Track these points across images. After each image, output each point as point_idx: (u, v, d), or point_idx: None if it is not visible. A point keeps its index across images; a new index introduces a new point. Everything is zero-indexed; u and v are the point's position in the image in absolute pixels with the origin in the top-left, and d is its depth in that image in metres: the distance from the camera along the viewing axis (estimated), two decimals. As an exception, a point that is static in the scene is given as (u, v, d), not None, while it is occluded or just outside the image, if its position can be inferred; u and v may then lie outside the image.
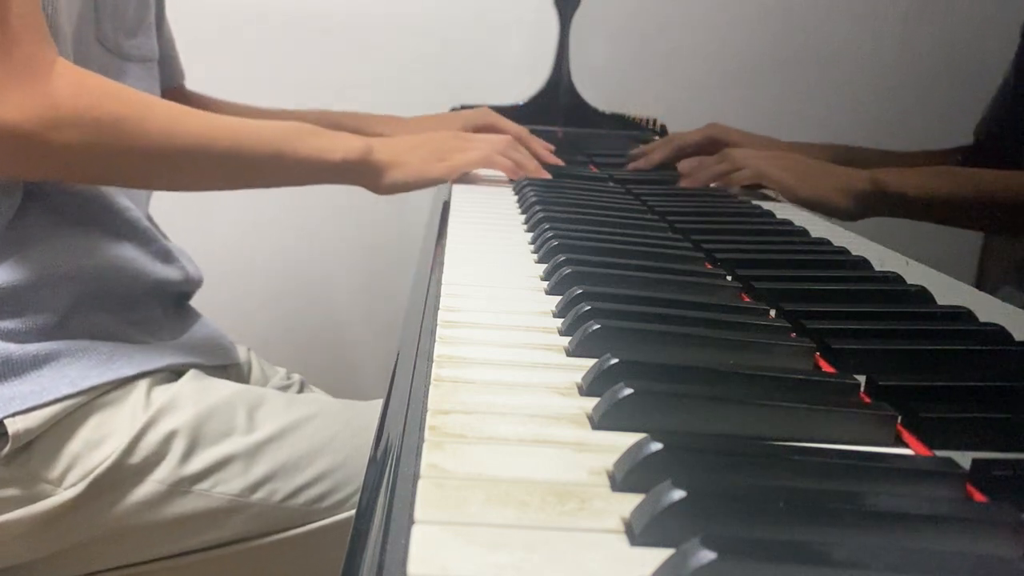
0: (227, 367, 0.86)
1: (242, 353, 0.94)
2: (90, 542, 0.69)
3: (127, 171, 0.68)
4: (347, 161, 0.76)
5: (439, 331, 0.43)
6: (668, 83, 1.61)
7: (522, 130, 1.00)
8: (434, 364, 0.39)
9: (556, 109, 1.42)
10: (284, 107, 1.01)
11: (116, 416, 0.69)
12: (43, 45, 0.61)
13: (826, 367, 0.43)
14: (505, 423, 0.34)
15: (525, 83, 1.43)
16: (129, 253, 0.74)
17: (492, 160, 0.88)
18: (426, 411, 0.34)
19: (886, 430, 0.36)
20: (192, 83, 1.00)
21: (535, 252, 0.62)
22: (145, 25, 0.81)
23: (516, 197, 0.85)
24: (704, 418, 0.34)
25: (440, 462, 0.30)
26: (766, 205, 0.87)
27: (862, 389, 0.39)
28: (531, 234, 0.67)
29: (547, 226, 0.64)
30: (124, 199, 0.74)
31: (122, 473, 0.68)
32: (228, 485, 0.70)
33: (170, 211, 0.90)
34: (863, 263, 0.63)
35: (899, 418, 0.36)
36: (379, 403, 0.77)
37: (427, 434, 0.32)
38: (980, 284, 0.62)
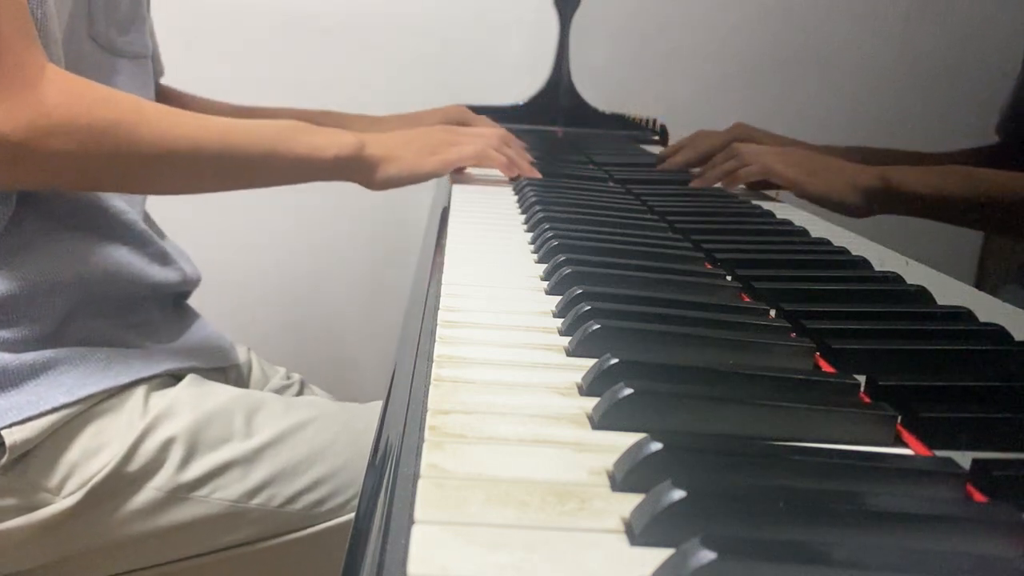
0: (226, 368, 0.86)
1: (242, 353, 0.93)
2: (89, 550, 0.69)
3: (121, 176, 0.67)
4: (340, 158, 0.75)
5: (439, 331, 0.43)
6: (668, 83, 1.61)
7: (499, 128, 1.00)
8: (434, 364, 0.39)
9: (556, 109, 1.42)
10: (283, 107, 1.01)
11: (113, 424, 0.68)
12: (32, 52, 0.60)
13: (826, 367, 0.43)
14: (505, 423, 0.34)
15: (525, 83, 1.43)
16: (125, 257, 0.74)
17: (486, 154, 0.87)
18: (426, 411, 0.34)
19: (886, 430, 0.36)
20: (190, 83, 1.00)
21: (535, 252, 0.62)
22: (138, 21, 0.80)
23: (516, 197, 0.85)
24: (704, 418, 0.34)
25: (440, 462, 0.30)
26: (766, 205, 0.87)
27: (862, 389, 0.39)
28: (531, 234, 0.67)
29: (547, 226, 0.64)
30: (120, 202, 0.74)
31: (120, 481, 0.68)
32: (226, 491, 0.69)
33: (169, 211, 0.89)
34: (863, 263, 0.63)
35: (899, 418, 0.36)
36: (378, 405, 0.77)
37: (427, 434, 0.32)
38: (980, 284, 0.62)
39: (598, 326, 0.42)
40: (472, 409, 0.35)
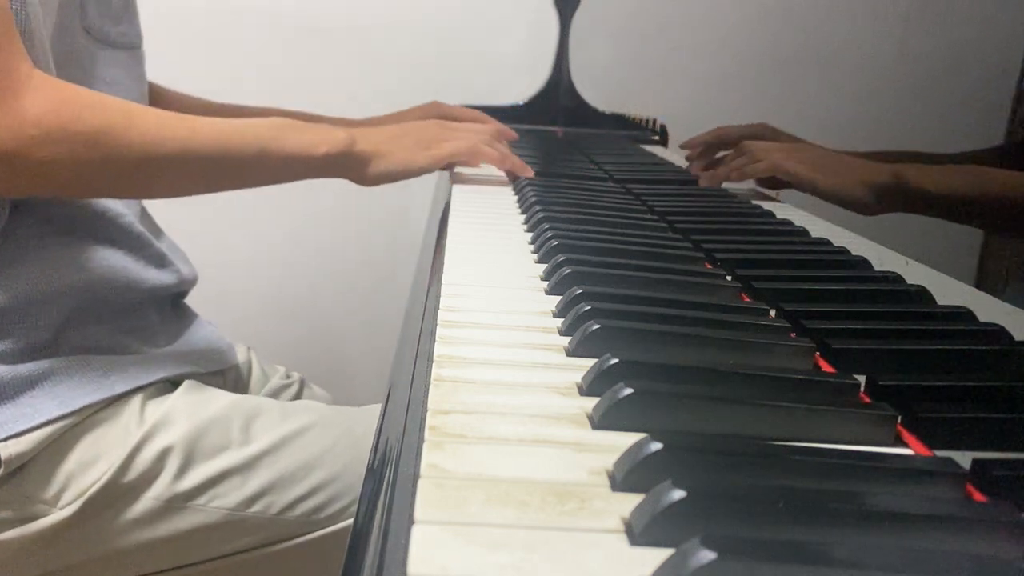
0: (224, 370, 0.85)
1: (241, 353, 0.93)
2: (87, 561, 0.69)
3: (114, 181, 0.66)
4: (331, 154, 0.74)
5: (439, 331, 0.43)
6: (668, 83, 1.61)
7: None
8: (434, 364, 0.39)
9: (556, 109, 1.42)
10: (267, 107, 1.01)
11: (110, 434, 0.68)
12: (18, 59, 0.59)
13: (826, 367, 0.43)
14: (505, 423, 0.34)
15: (525, 83, 1.43)
16: (121, 262, 0.73)
17: (479, 150, 0.86)
18: (426, 411, 0.34)
19: (886, 430, 0.36)
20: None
21: (535, 252, 0.62)
22: (130, 10, 0.79)
23: (516, 197, 0.85)
24: (704, 418, 0.34)
25: (440, 462, 0.30)
26: (766, 205, 0.87)
27: (862, 389, 0.39)
28: (531, 234, 0.67)
29: (547, 226, 0.64)
30: (117, 205, 0.73)
31: (117, 491, 0.67)
32: (224, 499, 0.69)
33: (168, 210, 0.89)
34: (863, 263, 0.63)
35: (899, 418, 0.36)
36: (376, 409, 0.77)
37: (427, 434, 0.32)
38: (980, 284, 0.62)
39: (598, 326, 0.42)
40: (472, 409, 0.35)
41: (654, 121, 1.45)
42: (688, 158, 1.08)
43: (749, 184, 1.00)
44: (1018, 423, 0.36)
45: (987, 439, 0.36)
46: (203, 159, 0.67)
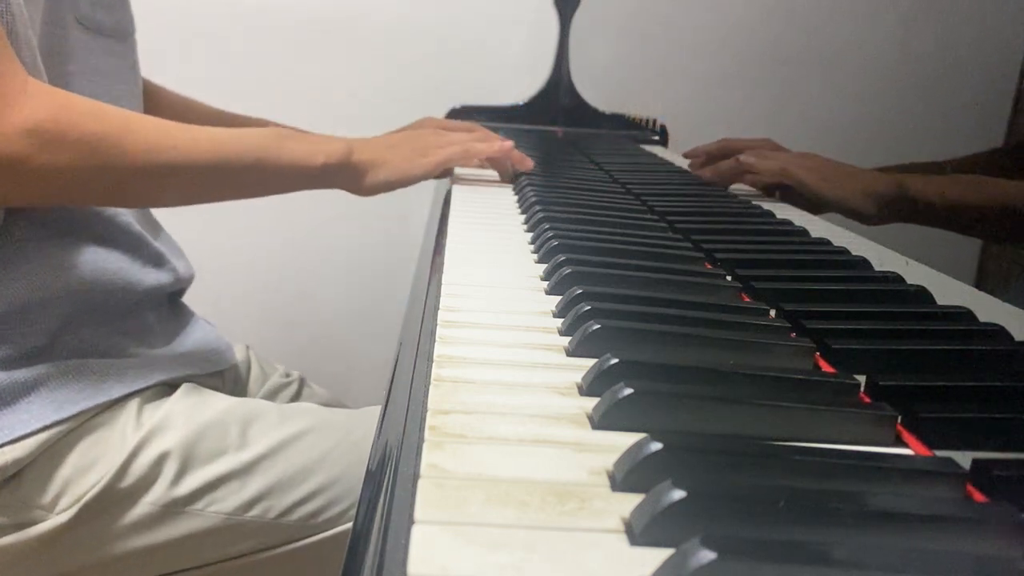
0: (223, 370, 0.85)
1: (240, 352, 0.93)
2: (84, 566, 0.68)
3: (113, 190, 0.66)
4: (329, 164, 0.73)
5: (439, 331, 0.43)
6: (668, 83, 1.61)
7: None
8: (434, 364, 0.39)
9: (556, 109, 1.42)
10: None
11: (106, 439, 0.68)
12: (13, 67, 0.59)
13: (826, 367, 0.43)
14: (505, 423, 0.34)
15: (525, 83, 1.43)
16: (118, 263, 0.73)
17: (474, 150, 0.86)
18: (426, 411, 0.34)
19: (886, 430, 0.36)
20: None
21: (535, 252, 0.62)
22: None
23: (516, 197, 0.85)
24: (704, 418, 0.34)
25: (440, 462, 0.30)
26: (766, 205, 0.87)
27: (862, 389, 0.39)
28: (531, 234, 0.67)
29: (547, 226, 0.64)
30: None
31: (114, 497, 0.67)
32: (222, 504, 0.69)
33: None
34: (863, 263, 0.63)
35: (899, 418, 0.36)
36: (375, 412, 0.77)
37: (427, 434, 0.32)
38: (980, 284, 0.62)
39: (598, 326, 0.42)
40: (472, 409, 0.35)
41: (654, 121, 1.45)
42: (691, 167, 1.08)
43: (754, 188, 1.00)
44: (1018, 423, 0.36)
45: (987, 439, 0.36)
46: (202, 168, 0.67)
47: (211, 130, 0.68)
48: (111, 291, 0.72)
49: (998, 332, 0.47)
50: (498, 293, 0.51)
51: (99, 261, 0.71)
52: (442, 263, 0.57)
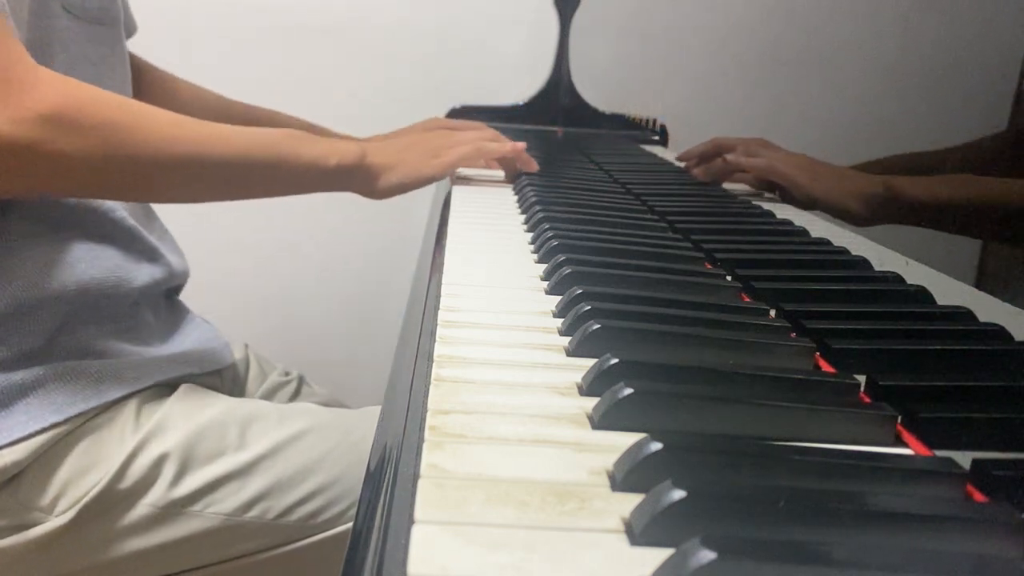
0: (221, 369, 0.85)
1: (238, 350, 0.92)
2: (84, 568, 0.68)
3: (126, 181, 0.65)
4: (342, 166, 0.73)
5: (439, 331, 0.43)
6: (668, 83, 1.61)
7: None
8: (434, 364, 0.39)
9: (556, 109, 1.42)
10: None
11: (105, 440, 0.68)
12: (22, 55, 0.59)
13: (826, 367, 0.43)
14: (505, 423, 0.34)
15: (525, 83, 1.43)
16: (113, 260, 0.72)
17: (485, 149, 0.86)
18: (426, 411, 0.34)
19: (886, 430, 0.36)
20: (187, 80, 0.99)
21: (535, 252, 0.62)
22: None
23: (516, 197, 0.85)
24: (704, 418, 0.34)
25: (440, 462, 0.30)
26: (766, 205, 0.87)
27: (862, 389, 0.39)
28: (531, 234, 0.67)
29: (547, 226, 0.64)
30: (108, 199, 0.73)
31: (113, 498, 0.67)
32: (221, 505, 0.69)
33: (168, 209, 0.89)
34: (863, 263, 0.63)
35: (899, 418, 0.36)
36: (374, 412, 0.77)
37: (427, 434, 0.32)
38: (980, 284, 0.62)
39: (598, 326, 0.42)
40: (472, 409, 0.35)
41: (654, 121, 1.45)
42: (686, 169, 1.09)
43: (747, 185, 1.00)
44: (1018, 423, 0.36)
45: (987, 439, 0.36)
46: (215, 164, 0.67)
47: (225, 127, 0.68)
48: (106, 288, 0.72)
49: (998, 332, 0.47)
50: (498, 293, 0.51)
51: (94, 257, 0.71)
52: (442, 263, 0.57)
